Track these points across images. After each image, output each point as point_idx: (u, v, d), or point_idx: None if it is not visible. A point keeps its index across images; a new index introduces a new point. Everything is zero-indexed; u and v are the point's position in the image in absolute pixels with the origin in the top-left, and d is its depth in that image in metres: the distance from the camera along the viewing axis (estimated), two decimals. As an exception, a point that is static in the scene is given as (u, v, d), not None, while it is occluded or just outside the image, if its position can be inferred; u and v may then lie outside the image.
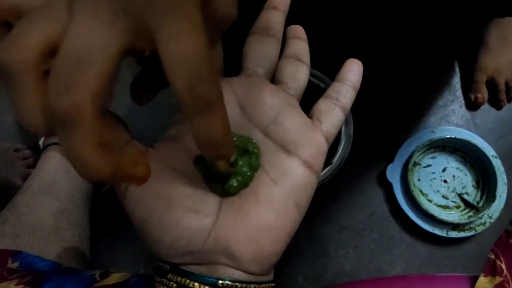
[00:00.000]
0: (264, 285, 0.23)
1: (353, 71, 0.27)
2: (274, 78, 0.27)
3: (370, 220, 0.68)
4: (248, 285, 0.22)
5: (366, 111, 0.67)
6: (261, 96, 0.25)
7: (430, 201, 0.66)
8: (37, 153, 0.66)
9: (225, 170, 0.21)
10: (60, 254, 0.44)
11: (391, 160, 0.66)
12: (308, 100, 0.29)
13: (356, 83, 0.27)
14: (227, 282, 0.22)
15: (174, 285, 0.22)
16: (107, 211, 0.65)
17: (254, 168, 0.24)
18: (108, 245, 0.68)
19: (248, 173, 0.23)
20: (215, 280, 0.22)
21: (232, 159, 0.22)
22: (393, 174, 0.66)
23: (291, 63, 0.27)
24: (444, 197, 0.66)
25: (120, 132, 0.23)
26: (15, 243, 0.42)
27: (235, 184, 0.23)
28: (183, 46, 0.15)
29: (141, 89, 0.23)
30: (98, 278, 0.33)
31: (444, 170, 0.67)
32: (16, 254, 0.40)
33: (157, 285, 0.23)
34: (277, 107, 0.25)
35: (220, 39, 0.26)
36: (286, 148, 0.24)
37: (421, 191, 0.66)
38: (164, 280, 0.22)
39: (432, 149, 0.67)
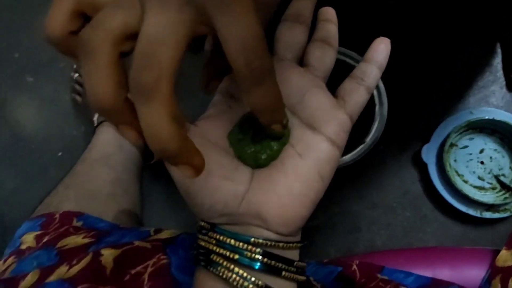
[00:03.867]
0: (291, 244, 0.27)
1: (379, 51, 0.29)
2: (302, 61, 0.30)
3: (403, 198, 0.69)
4: (277, 243, 0.26)
5: (403, 91, 0.68)
6: (289, 78, 0.28)
7: (465, 181, 0.66)
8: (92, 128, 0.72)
9: (279, 132, 0.25)
10: (117, 217, 0.50)
11: (427, 140, 0.67)
12: (341, 79, 0.32)
13: (382, 63, 0.29)
14: (259, 240, 0.25)
15: (214, 241, 0.26)
16: (156, 180, 0.70)
17: (283, 143, 0.27)
18: (155, 213, 0.74)
19: (276, 147, 0.27)
20: (248, 238, 0.25)
21: (284, 122, 0.25)
22: (428, 154, 0.66)
23: (318, 46, 0.30)
24: (480, 178, 0.66)
25: None
26: (78, 206, 0.48)
27: (264, 157, 0.26)
28: (240, 28, 0.18)
29: (207, 78, 0.27)
30: (152, 233, 0.38)
31: (481, 151, 0.67)
32: (79, 215, 0.46)
33: (200, 241, 0.27)
34: (304, 88, 0.28)
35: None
36: (311, 125, 0.27)
37: (456, 171, 0.67)
38: (206, 237, 0.27)
39: (470, 130, 0.67)
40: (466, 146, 0.67)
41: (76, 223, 0.44)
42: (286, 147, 0.27)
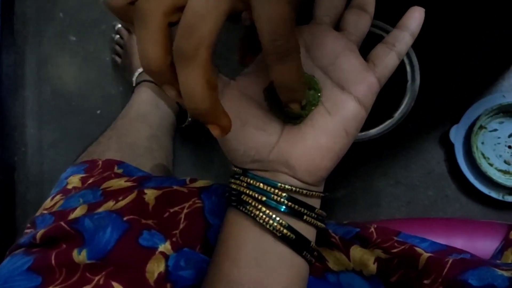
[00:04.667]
0: (313, 193, 0.29)
1: (413, 18, 0.30)
2: (339, 25, 0.32)
3: (427, 177, 0.70)
4: (301, 190, 0.28)
5: (436, 69, 0.68)
6: (324, 41, 0.30)
7: (491, 164, 0.67)
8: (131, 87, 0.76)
9: (296, 111, 0.27)
10: (152, 169, 0.53)
11: (455, 121, 0.67)
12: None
13: (415, 30, 0.30)
14: (285, 186, 0.28)
15: (245, 184, 0.29)
16: (185, 143, 0.74)
17: (315, 102, 0.29)
18: (183, 174, 0.77)
19: (310, 109, 0.29)
20: (276, 183, 0.28)
21: (303, 103, 0.27)
22: (456, 135, 0.67)
23: (355, 12, 0.31)
24: (506, 162, 0.66)
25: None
26: (118, 155, 0.52)
27: (297, 118, 0.29)
28: (270, 8, 0.20)
29: (243, 52, 0.29)
30: (188, 182, 0.42)
31: (510, 135, 0.67)
32: (120, 163, 0.50)
33: (232, 185, 0.30)
34: (337, 51, 0.29)
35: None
36: (341, 86, 0.29)
37: (483, 154, 0.67)
38: (238, 181, 0.29)
39: (501, 114, 0.67)
40: (495, 130, 0.67)
41: (117, 170, 0.48)
42: None
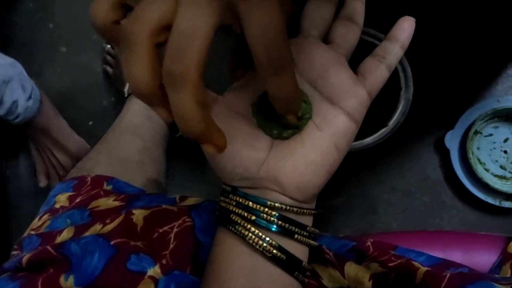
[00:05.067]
0: (305, 210, 0.28)
1: (403, 29, 0.30)
2: (327, 38, 0.31)
3: (422, 184, 0.70)
4: (291, 208, 0.28)
5: (429, 75, 0.67)
6: (312, 54, 0.29)
7: (487, 170, 0.66)
8: (122, 99, 0.75)
9: (293, 122, 0.26)
10: (144, 184, 0.53)
11: (450, 127, 0.67)
12: (363, 58, 0.32)
13: (405, 41, 0.30)
14: (275, 204, 0.27)
15: (234, 202, 0.28)
16: (179, 153, 0.73)
17: (308, 116, 0.28)
18: (177, 184, 0.77)
19: (299, 123, 0.28)
20: (265, 201, 0.27)
21: (299, 114, 0.27)
22: (452, 141, 0.66)
23: (343, 24, 0.30)
24: (502, 167, 0.66)
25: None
26: (108, 171, 0.51)
27: (286, 134, 0.28)
28: (262, 21, 0.20)
29: (233, 65, 0.28)
30: (177, 201, 0.41)
31: (505, 140, 0.66)
32: (109, 179, 0.49)
33: (221, 203, 0.29)
34: (326, 64, 0.29)
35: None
36: (331, 100, 0.28)
37: (479, 159, 0.67)
38: (227, 199, 0.29)
39: (496, 119, 0.67)
40: (490, 135, 0.67)
41: (106, 186, 0.47)
42: None
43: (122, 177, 0.50)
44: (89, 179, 0.48)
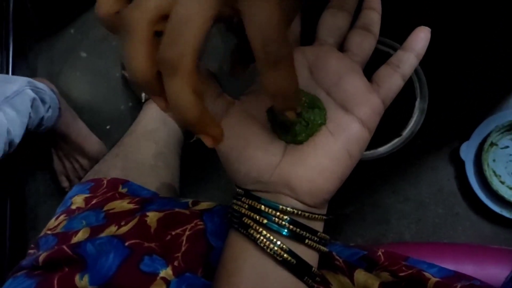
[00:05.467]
0: (316, 215, 0.29)
1: (418, 39, 0.30)
2: (343, 46, 0.31)
3: (437, 195, 0.69)
4: (303, 213, 0.28)
5: (445, 85, 0.67)
6: (328, 62, 0.29)
7: (502, 182, 0.65)
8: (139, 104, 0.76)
9: (291, 119, 0.26)
10: (158, 187, 0.53)
11: (465, 138, 0.66)
12: (378, 68, 0.33)
13: (420, 51, 0.30)
14: (287, 208, 0.28)
15: (246, 206, 0.29)
16: (193, 159, 0.74)
17: (322, 121, 0.29)
18: (191, 190, 0.77)
19: (313, 128, 0.28)
20: (277, 205, 0.28)
21: (298, 111, 0.26)
22: (467, 152, 0.66)
23: (359, 33, 0.31)
24: (518, 180, 0.65)
25: (212, 86, 0.30)
26: (123, 174, 0.52)
27: (300, 137, 0.28)
28: (259, 14, 0.20)
29: (233, 63, 0.29)
30: (190, 205, 0.41)
31: (522, 153, 0.65)
32: (125, 182, 0.50)
33: (234, 205, 0.30)
34: (341, 72, 0.29)
35: (298, 16, 0.31)
36: (345, 107, 0.29)
37: (494, 172, 0.66)
38: (239, 202, 0.29)
39: (512, 131, 0.66)
40: (506, 147, 0.66)
41: (121, 189, 0.48)
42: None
43: (137, 180, 0.51)
44: (105, 181, 0.49)
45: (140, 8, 0.21)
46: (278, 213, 0.28)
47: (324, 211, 0.30)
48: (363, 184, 0.70)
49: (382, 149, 0.59)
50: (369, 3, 0.32)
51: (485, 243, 0.66)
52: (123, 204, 0.43)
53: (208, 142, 0.24)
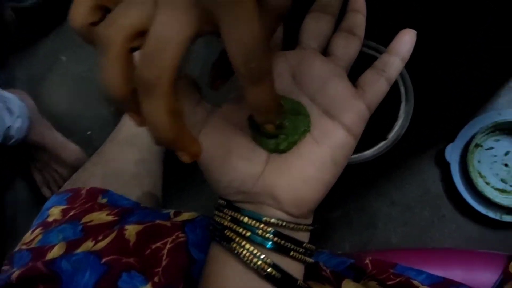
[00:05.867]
0: (301, 226, 0.28)
1: (403, 42, 0.29)
2: (326, 50, 0.31)
3: (423, 197, 0.69)
4: (288, 224, 0.27)
5: (430, 88, 0.67)
6: (311, 67, 0.29)
7: (487, 183, 0.66)
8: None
9: (271, 131, 0.26)
10: (139, 197, 0.52)
11: (451, 139, 0.66)
12: (363, 71, 0.32)
13: (405, 54, 0.29)
14: (271, 219, 0.27)
15: (228, 218, 0.27)
16: (176, 165, 0.72)
17: (304, 130, 0.28)
18: (174, 197, 0.76)
19: (297, 136, 0.27)
20: (261, 216, 0.27)
21: (277, 122, 0.26)
22: (452, 154, 0.66)
23: (343, 36, 0.30)
24: (503, 180, 0.65)
25: (191, 94, 0.28)
26: (104, 183, 0.50)
27: (283, 146, 0.27)
28: (240, 32, 0.19)
29: (213, 76, 0.28)
30: (172, 216, 0.40)
31: (506, 153, 0.65)
32: (104, 192, 0.48)
33: (216, 217, 0.29)
34: (324, 77, 0.28)
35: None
36: (329, 113, 0.28)
37: (479, 173, 0.66)
38: (221, 214, 0.28)
39: (497, 132, 0.66)
40: (491, 148, 0.66)
41: (101, 200, 0.47)
42: None
43: (117, 189, 0.49)
44: (83, 191, 0.48)
45: (115, 25, 0.20)
46: (261, 225, 0.27)
47: (309, 221, 0.29)
48: (349, 188, 0.70)
49: (368, 153, 0.58)
50: (354, 5, 0.31)
51: (471, 245, 0.66)
52: (101, 216, 0.41)
53: (184, 158, 0.23)
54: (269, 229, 0.26)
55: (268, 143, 0.27)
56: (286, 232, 0.27)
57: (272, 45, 0.30)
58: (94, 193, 0.48)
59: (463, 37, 0.68)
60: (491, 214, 0.64)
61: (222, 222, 0.28)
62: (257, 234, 0.26)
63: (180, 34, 0.19)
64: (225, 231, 0.27)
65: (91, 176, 0.52)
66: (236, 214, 0.27)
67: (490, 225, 0.65)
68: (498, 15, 0.67)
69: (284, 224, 0.27)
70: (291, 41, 0.32)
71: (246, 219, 0.27)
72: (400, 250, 0.42)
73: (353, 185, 0.70)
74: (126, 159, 0.57)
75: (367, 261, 0.39)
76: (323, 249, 0.43)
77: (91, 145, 0.81)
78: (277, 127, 0.26)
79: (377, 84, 0.29)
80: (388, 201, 0.69)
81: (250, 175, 0.27)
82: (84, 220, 0.41)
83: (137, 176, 0.55)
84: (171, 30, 0.19)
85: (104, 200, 0.47)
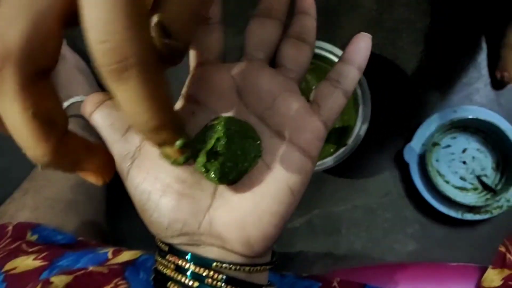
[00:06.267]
0: (258, 267, 0.24)
1: (358, 49, 0.26)
2: (275, 60, 0.27)
3: (384, 199, 0.67)
4: (242, 267, 0.23)
5: (385, 88, 0.65)
6: (258, 81, 0.25)
7: (447, 182, 0.65)
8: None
9: (172, 158, 0.19)
10: (78, 227, 0.46)
11: (409, 139, 0.65)
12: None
13: (361, 63, 0.26)
14: (222, 264, 0.23)
15: (172, 266, 0.23)
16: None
17: (254, 156, 0.24)
18: (124, 217, 0.70)
19: (246, 163, 0.23)
20: (210, 261, 0.23)
21: (178, 144, 0.18)
22: (410, 154, 0.64)
23: (292, 44, 0.26)
24: (462, 178, 0.65)
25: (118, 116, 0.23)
26: (34, 215, 0.44)
27: (232, 176, 0.23)
28: None
29: None
30: (110, 256, 0.35)
31: (464, 151, 0.65)
32: (35, 227, 0.42)
33: (158, 265, 0.24)
34: (274, 92, 0.24)
35: (221, 27, 0.26)
36: (281, 134, 0.24)
37: (438, 172, 0.65)
38: (164, 261, 0.24)
39: (453, 129, 0.65)
40: (448, 146, 0.65)
41: (30, 237, 0.40)
42: None
43: (51, 221, 0.43)
44: (10, 228, 0.41)
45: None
46: (211, 272, 0.23)
47: (267, 258, 0.25)
48: (311, 195, 0.67)
49: (328, 160, 0.55)
50: (302, 6, 0.28)
51: (435, 245, 0.66)
52: (27, 262, 0.35)
53: (91, 179, 0.18)
54: (220, 276, 0.23)
55: (214, 173, 0.23)
56: (241, 276, 0.23)
57: (206, 52, 0.26)
58: (23, 229, 0.41)
59: (414, 33, 0.67)
60: (452, 213, 0.63)
61: (164, 271, 0.23)
62: (207, 283, 0.22)
63: (28, 8, 0.14)
64: (168, 284, 0.23)
65: (21, 208, 0.45)
66: (180, 261, 0.23)
67: (453, 224, 0.65)
68: (452, 11, 0.67)
69: (237, 268, 0.23)
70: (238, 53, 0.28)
71: (192, 267, 0.23)
72: (369, 268, 0.40)
73: (315, 191, 0.67)
74: (60, 184, 0.50)
75: (335, 283, 0.36)
76: (287, 272, 0.39)
77: (25, 167, 0.73)
78: (182, 152, 0.18)
79: (333, 98, 0.25)
80: (350, 205, 0.67)
81: (194, 214, 0.23)
82: (6, 267, 0.35)
83: (74, 203, 0.49)
84: (16, 5, 0.14)
85: (34, 237, 0.41)
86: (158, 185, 0.22)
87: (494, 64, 0.66)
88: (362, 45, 0.26)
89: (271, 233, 0.23)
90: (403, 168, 0.66)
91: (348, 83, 0.26)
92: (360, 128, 0.55)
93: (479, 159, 0.65)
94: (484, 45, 0.67)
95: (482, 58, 0.67)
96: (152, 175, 0.23)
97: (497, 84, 0.66)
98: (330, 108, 0.25)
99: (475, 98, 0.66)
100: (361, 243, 0.67)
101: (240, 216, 0.23)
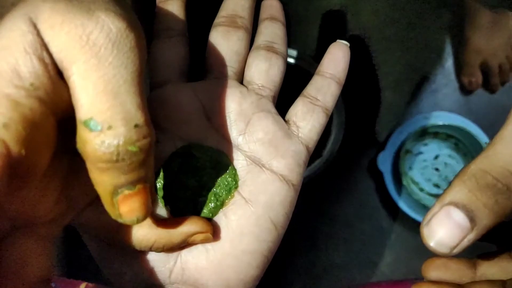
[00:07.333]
0: None
1: (336, 60, 0.23)
2: (244, 76, 0.24)
3: (360, 211, 0.66)
4: None
5: (355, 97, 0.64)
6: (228, 102, 0.22)
7: (421, 190, 0.64)
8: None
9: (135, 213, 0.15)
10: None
11: (382, 148, 0.64)
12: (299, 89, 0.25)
13: (340, 75, 0.24)
14: None
15: None
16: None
17: (230, 188, 0.21)
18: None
19: (221, 197, 0.20)
20: None
21: (147, 182, 0.15)
22: (384, 162, 0.63)
23: (262, 56, 0.23)
24: (435, 185, 0.64)
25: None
26: None
27: (207, 210, 0.20)
28: None
29: None
30: None
31: (436, 157, 0.65)
32: None
33: None
34: (247, 114, 0.22)
35: (184, 38, 0.23)
36: (258, 161, 0.21)
37: (412, 179, 0.64)
38: None
39: (425, 136, 0.65)
40: (420, 153, 0.65)
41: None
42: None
43: None
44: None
45: None
46: None
47: None
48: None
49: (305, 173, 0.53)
50: (268, 11, 0.25)
51: (411, 255, 0.64)
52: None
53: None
54: None
55: (184, 210, 0.20)
56: None
57: (166, 70, 0.22)
58: None
59: (384, 42, 0.66)
60: (428, 221, 0.62)
61: None
62: None
63: None
64: None
65: None
66: None
67: (429, 232, 0.64)
68: (420, 15, 0.67)
69: None
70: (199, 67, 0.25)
71: None
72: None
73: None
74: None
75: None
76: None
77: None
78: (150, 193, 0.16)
79: (313, 117, 0.22)
80: (327, 219, 0.65)
81: (163, 260, 0.19)
82: None
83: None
84: None
85: None
86: (120, 228, 0.19)
87: (461, 70, 0.66)
88: (339, 54, 0.24)
89: (252, 276, 0.20)
90: (377, 177, 0.65)
91: (328, 100, 0.23)
92: (334, 138, 0.53)
93: (451, 165, 0.64)
94: (450, 51, 0.67)
95: (450, 64, 0.67)
96: (109, 218, 0.19)
97: (465, 89, 0.66)
98: (310, 129, 0.22)
99: (445, 104, 0.66)
100: (340, 258, 0.65)
101: (216, 258, 0.20)
